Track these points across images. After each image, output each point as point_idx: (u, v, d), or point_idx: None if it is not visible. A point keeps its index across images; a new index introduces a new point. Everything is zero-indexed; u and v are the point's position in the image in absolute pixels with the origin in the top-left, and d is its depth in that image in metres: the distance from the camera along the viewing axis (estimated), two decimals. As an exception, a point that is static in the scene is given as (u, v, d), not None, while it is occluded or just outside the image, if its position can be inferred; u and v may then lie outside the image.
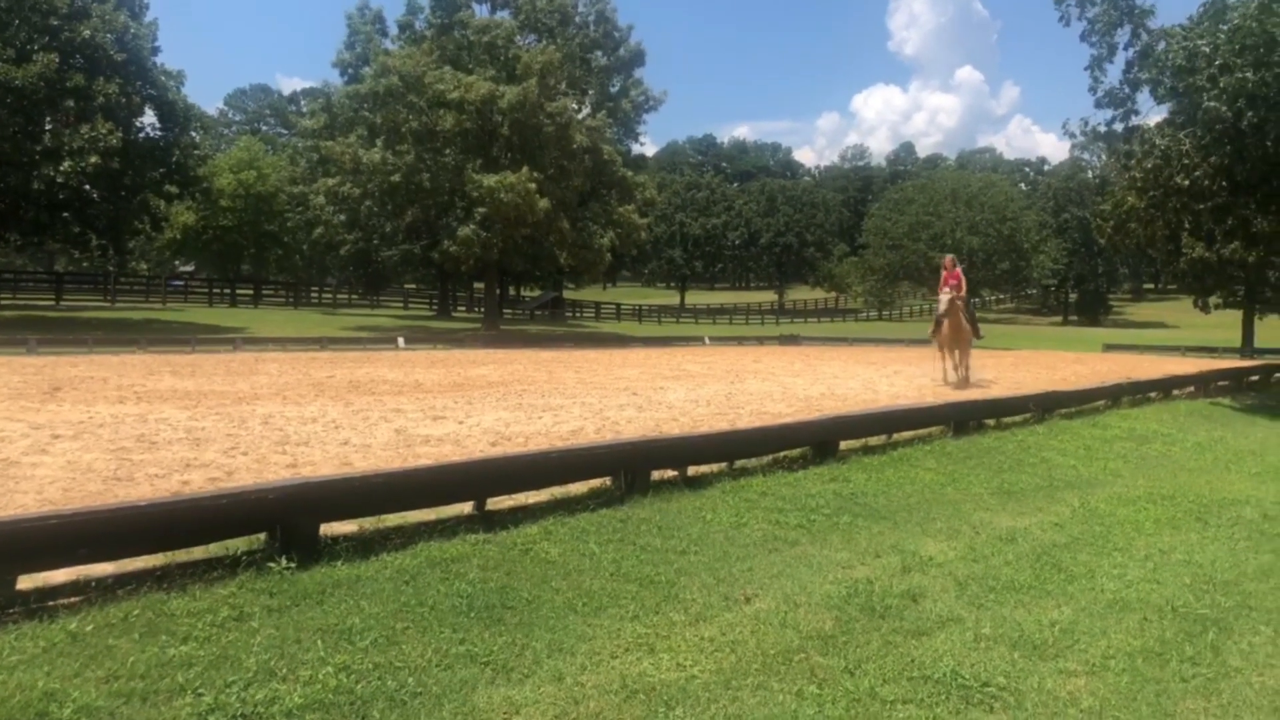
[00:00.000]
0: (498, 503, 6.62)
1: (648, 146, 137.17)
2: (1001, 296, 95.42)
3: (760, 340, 39.96)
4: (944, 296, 17.80)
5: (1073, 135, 22.07)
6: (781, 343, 39.15)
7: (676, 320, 68.80)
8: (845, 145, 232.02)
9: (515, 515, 6.47)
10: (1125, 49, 19.71)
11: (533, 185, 32.63)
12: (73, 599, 4.54)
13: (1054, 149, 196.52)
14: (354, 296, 62.27)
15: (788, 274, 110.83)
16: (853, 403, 14.17)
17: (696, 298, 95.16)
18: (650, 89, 42.78)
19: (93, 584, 4.66)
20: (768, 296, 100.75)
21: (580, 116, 38.29)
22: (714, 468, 8.25)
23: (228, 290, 54.97)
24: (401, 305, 62.58)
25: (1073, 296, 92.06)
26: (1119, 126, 20.96)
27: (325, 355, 24.86)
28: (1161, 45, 18.68)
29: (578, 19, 39.76)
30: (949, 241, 49.10)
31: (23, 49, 28.50)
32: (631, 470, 7.14)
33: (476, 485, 6.31)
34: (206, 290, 55.00)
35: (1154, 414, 14.76)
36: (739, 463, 8.48)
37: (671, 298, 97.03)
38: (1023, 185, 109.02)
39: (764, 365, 23.69)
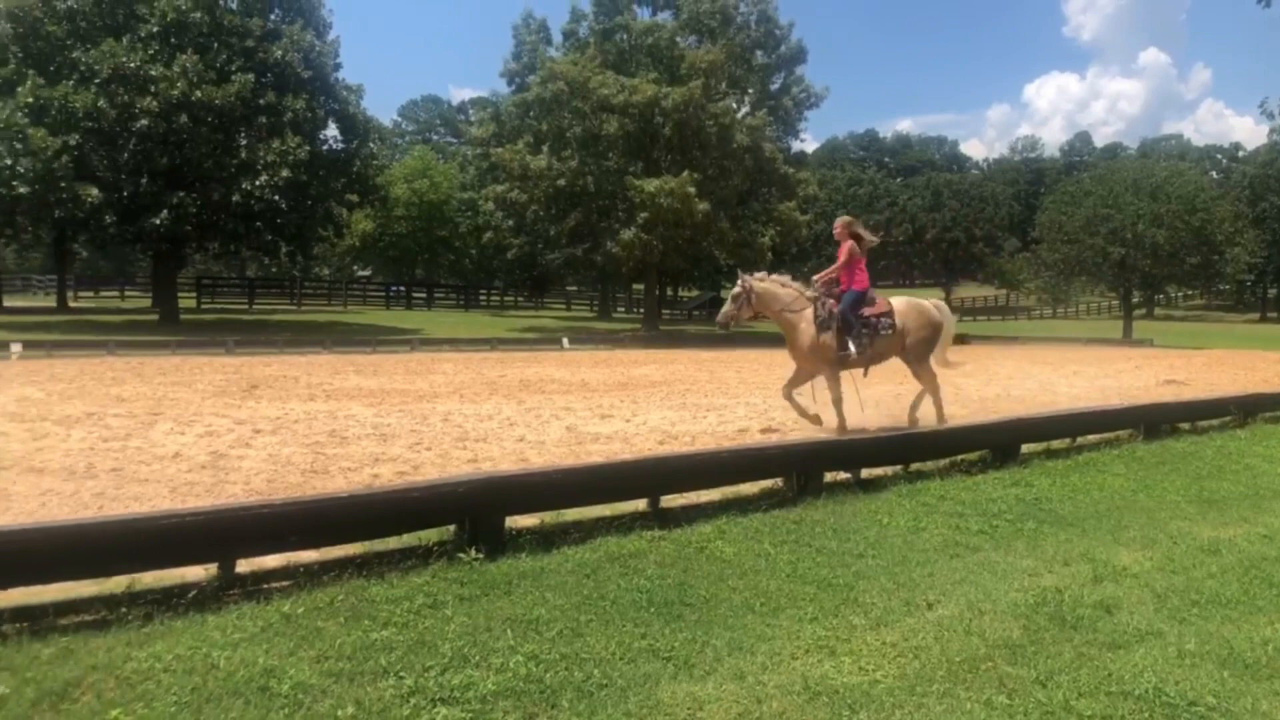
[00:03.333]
0: (670, 500, 6.70)
1: (808, 143, 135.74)
2: (1190, 293, 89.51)
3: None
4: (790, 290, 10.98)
5: (1271, 115, 20.52)
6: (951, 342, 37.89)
7: (838, 319, 67.50)
8: (1016, 136, 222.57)
9: (688, 513, 6.53)
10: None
11: (692, 189, 32.82)
12: (284, 583, 4.86)
13: (1250, 134, 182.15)
14: (520, 298, 64.20)
15: (955, 270, 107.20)
16: (1030, 404, 13.61)
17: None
18: (811, 86, 42.34)
19: (301, 569, 4.98)
20: (933, 294, 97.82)
21: (741, 115, 38.22)
22: (888, 470, 8.09)
23: (403, 293, 57.65)
24: (564, 306, 64.12)
25: (1271, 292, 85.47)
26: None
27: (495, 355, 25.71)
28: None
29: (739, 19, 39.68)
30: (1129, 235, 46.28)
31: (222, 71, 30.66)
32: (804, 471, 7.09)
33: (651, 483, 6.40)
34: (383, 293, 57.80)
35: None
36: (914, 466, 8.28)
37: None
38: (1214, 174, 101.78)
39: (932, 365, 23.02)
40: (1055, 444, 9.68)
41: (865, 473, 7.79)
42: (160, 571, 4.68)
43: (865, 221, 12.68)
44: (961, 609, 5.02)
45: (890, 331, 10.62)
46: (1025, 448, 9.15)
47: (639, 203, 33.74)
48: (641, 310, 49.25)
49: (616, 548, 5.69)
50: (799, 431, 10.47)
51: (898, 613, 4.94)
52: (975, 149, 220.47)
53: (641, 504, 6.50)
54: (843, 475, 7.63)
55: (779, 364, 23.97)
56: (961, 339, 38.97)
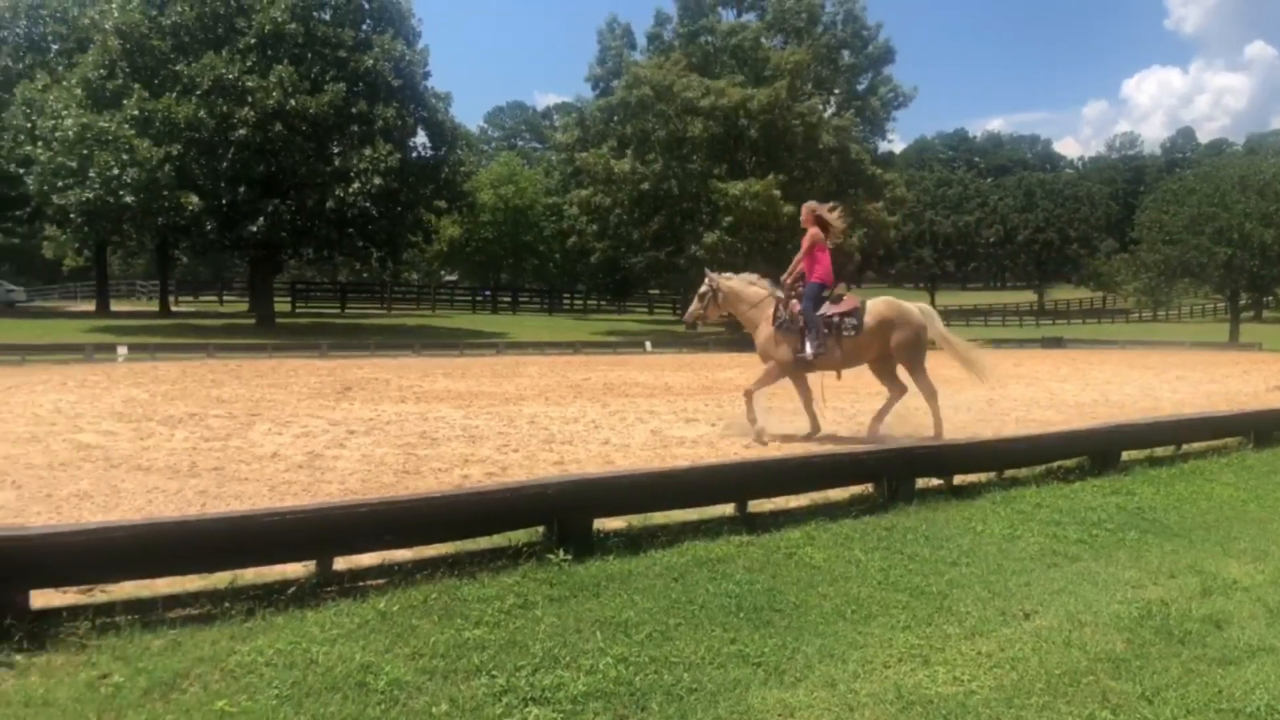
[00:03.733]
0: (758, 505, 6.65)
1: (896, 143, 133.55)
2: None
3: (1020, 343, 37.88)
4: (756, 289, 10.80)
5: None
6: (1044, 345, 36.95)
7: (926, 322, 66.25)
8: (1113, 134, 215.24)
9: (776, 518, 6.48)
10: None
11: (777, 192, 32.63)
12: (379, 581, 4.96)
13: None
14: (603, 302, 64.59)
15: (1048, 272, 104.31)
16: (1131, 410, 13.16)
17: (948, 299, 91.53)
18: (899, 85, 41.81)
19: (395, 567, 5.07)
20: (1026, 297, 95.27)
21: (827, 116, 37.87)
22: (981, 477, 7.90)
23: (490, 297, 58.54)
24: (646, 310, 64.26)
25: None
26: None
27: (579, 358, 25.91)
28: None
29: (825, 18, 39.34)
30: (1236, 235, 44.44)
31: (316, 81, 31.54)
32: (894, 477, 6.97)
33: (739, 487, 6.37)
34: (470, 297, 58.75)
35: None
36: (1008, 472, 8.08)
37: (920, 299, 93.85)
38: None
39: (1026, 370, 22.44)
40: (1159, 451, 9.34)
41: (958, 479, 7.62)
42: (262, 568, 4.81)
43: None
44: (1060, 620, 4.87)
45: (854, 333, 9.95)
46: (1126, 455, 8.85)
47: (723, 206, 33.69)
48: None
49: (704, 552, 5.67)
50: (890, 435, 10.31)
51: (993, 622, 4.82)
52: (1070, 147, 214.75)
53: (728, 508, 6.47)
54: (934, 481, 7.48)
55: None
56: (1056, 341, 37.91)
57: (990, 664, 4.30)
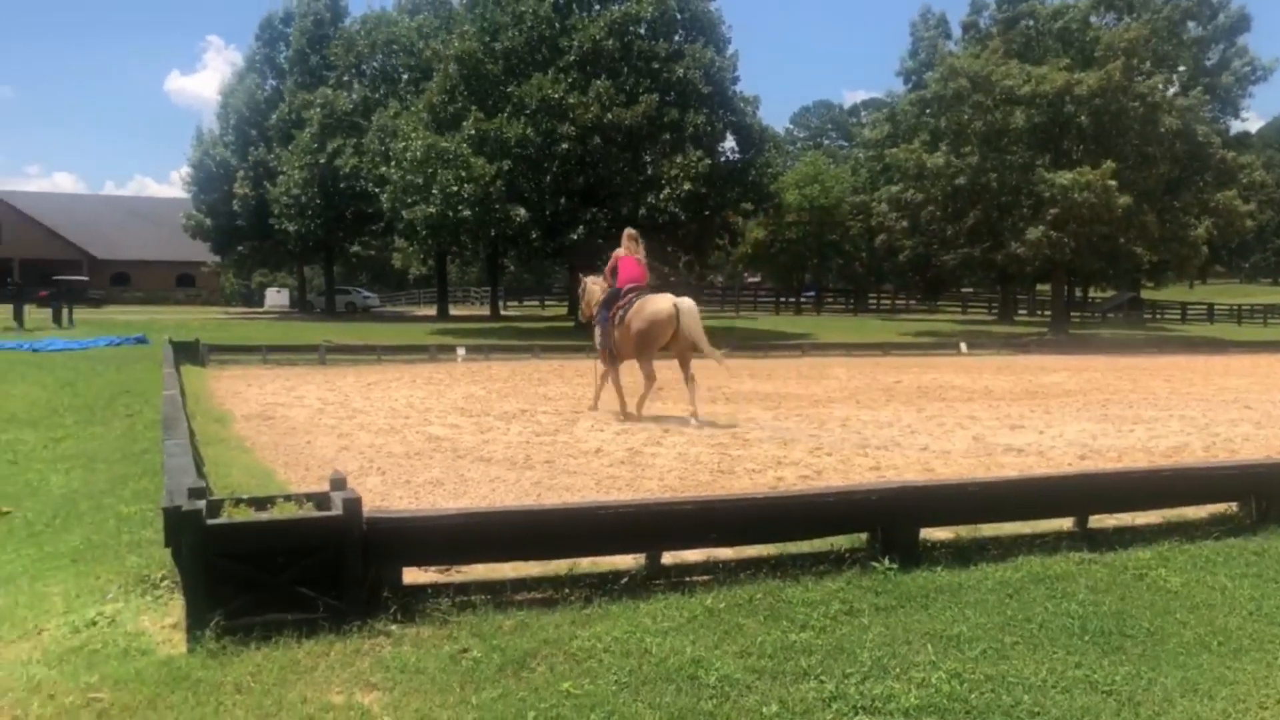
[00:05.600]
0: (1099, 521, 6.15)
1: (1251, 122, 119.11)
2: None
3: None
4: (598, 289, 13.11)
5: None
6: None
7: (1288, 322, 58.67)
8: None
9: (1121, 536, 5.97)
10: None
11: (1112, 181, 30.04)
12: (704, 577, 5.08)
13: None
14: (911, 301, 62.61)
15: None
16: None
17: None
18: (1256, 57, 37.16)
19: (719, 565, 5.18)
20: None
21: (1170, 95, 34.40)
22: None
23: (792, 299, 58.52)
24: (959, 309, 61.56)
25: None
26: None
27: (888, 360, 25.24)
28: None
29: (1164, -10, 35.85)
30: None
31: (630, 93, 32.96)
32: (1265, 495, 6.19)
33: (1078, 501, 5.92)
34: (773, 299, 59.00)
35: None
36: None
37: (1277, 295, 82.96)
38: None
39: None
40: None
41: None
42: (596, 558, 5.07)
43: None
44: None
45: (614, 324, 11.92)
46: None
47: (1048, 198, 31.52)
48: (1047, 313, 45.97)
49: (1040, 568, 5.33)
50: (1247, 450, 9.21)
51: (1400, 670, 4.16)
52: None
53: (1065, 523, 6.03)
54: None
55: (1217, 372, 21.31)
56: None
57: (1398, 718, 3.72)
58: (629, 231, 12.67)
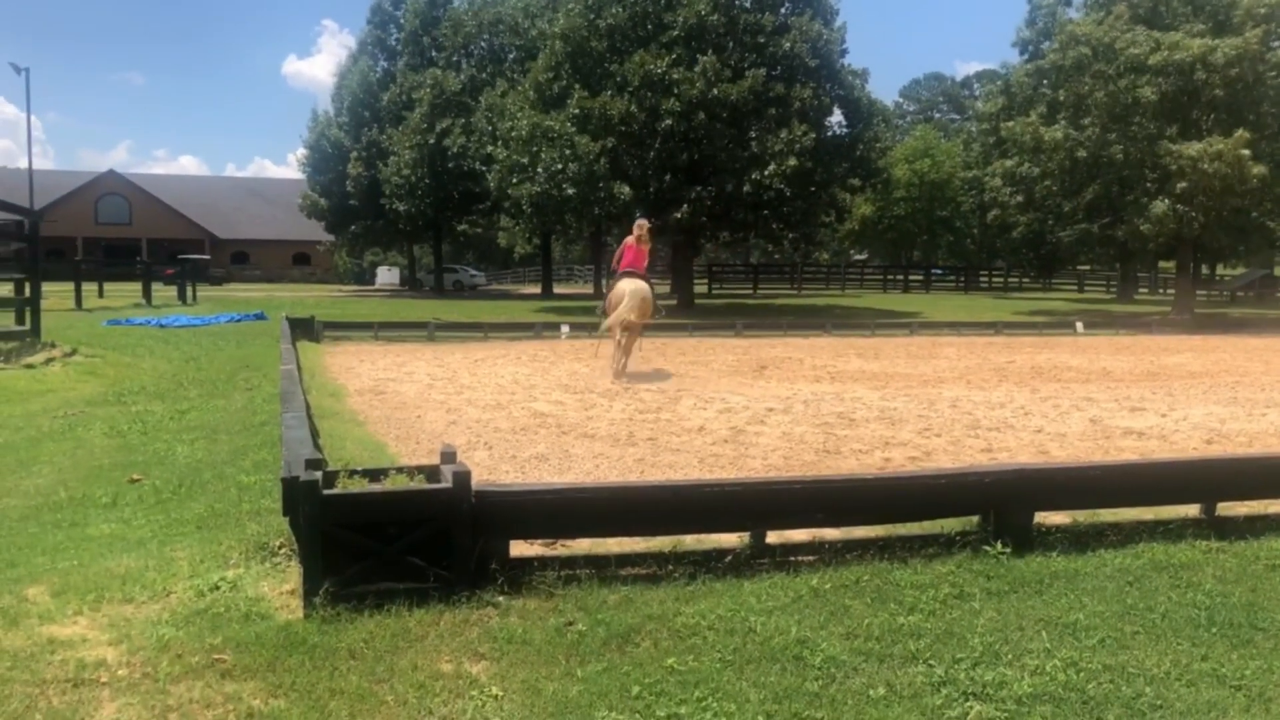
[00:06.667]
0: (1228, 508, 5.87)
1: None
2: None
3: None
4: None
5: None
6: None
7: None
8: None
9: (1253, 524, 5.68)
10: None
11: (1246, 152, 28.40)
12: (809, 557, 5.03)
13: None
14: (1025, 279, 60.69)
15: None
16: None
17: None
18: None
19: (825, 546, 5.11)
20: None
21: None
22: None
23: (900, 276, 57.31)
24: (1075, 288, 59.41)
25: None
26: None
27: (1000, 339, 24.52)
28: None
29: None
30: None
31: (736, 68, 32.58)
32: None
33: (1205, 487, 5.65)
34: (881, 276, 57.88)
35: None
36: None
37: None
38: None
39: None
40: None
41: None
42: (700, 535, 5.06)
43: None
44: None
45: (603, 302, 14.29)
46: None
47: (1175, 170, 30.00)
48: (1170, 291, 43.91)
49: (1163, 556, 5.12)
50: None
51: None
52: None
53: (1191, 509, 5.77)
54: None
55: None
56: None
57: None
58: (640, 221, 14.37)
